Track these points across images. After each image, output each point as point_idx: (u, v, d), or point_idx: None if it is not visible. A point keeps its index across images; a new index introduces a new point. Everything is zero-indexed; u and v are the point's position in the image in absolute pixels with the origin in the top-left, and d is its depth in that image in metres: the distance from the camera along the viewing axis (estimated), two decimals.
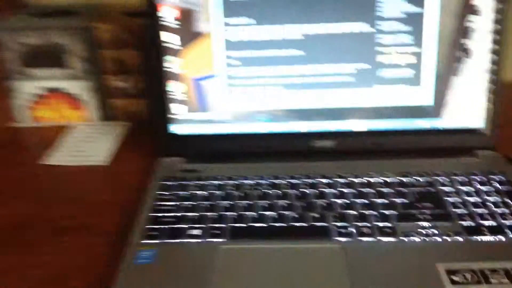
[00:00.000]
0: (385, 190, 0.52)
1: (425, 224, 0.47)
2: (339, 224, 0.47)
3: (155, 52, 0.57)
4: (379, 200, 0.51)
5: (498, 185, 0.52)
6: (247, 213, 0.49)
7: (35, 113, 0.74)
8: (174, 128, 0.59)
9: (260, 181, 0.55)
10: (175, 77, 0.58)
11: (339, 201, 0.51)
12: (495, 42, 0.55)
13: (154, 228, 0.48)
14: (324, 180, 0.54)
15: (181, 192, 0.53)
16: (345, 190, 0.52)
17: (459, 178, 0.53)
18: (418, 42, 0.56)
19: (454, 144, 0.58)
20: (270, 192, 0.53)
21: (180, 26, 0.56)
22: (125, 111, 0.73)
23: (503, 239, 0.45)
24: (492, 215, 0.48)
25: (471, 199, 0.50)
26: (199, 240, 0.46)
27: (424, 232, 0.46)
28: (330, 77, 0.57)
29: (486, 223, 0.47)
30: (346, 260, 0.43)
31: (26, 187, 0.60)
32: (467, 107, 0.57)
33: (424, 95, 0.57)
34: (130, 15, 0.72)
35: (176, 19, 0.56)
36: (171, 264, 0.44)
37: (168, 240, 0.47)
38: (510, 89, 0.60)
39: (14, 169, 0.64)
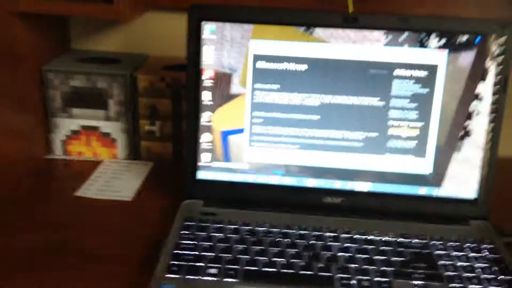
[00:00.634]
0: (384, 248, 0.58)
1: (419, 282, 0.52)
2: (342, 275, 0.53)
3: (192, 107, 0.64)
4: (379, 257, 0.56)
5: (487, 253, 0.58)
6: (259, 257, 0.55)
7: (70, 148, 0.81)
8: (198, 174, 0.66)
9: (272, 229, 0.60)
10: (206, 129, 0.65)
11: (343, 254, 0.56)
12: (492, 122, 0.62)
13: (176, 264, 0.54)
14: (330, 234, 0.60)
15: (201, 233, 0.59)
16: (349, 245, 0.58)
17: (452, 244, 0.59)
18: (425, 119, 0.63)
19: (449, 212, 0.64)
20: (281, 240, 0.58)
21: (216, 87, 0.64)
22: (151, 152, 0.80)
23: None
24: (479, 280, 0.53)
25: (462, 264, 0.56)
26: (215, 279, 0.52)
27: None
28: (343, 141, 0.64)
29: (473, 287, 0.52)
30: None
31: (59, 216, 0.66)
32: (463, 179, 0.64)
33: (426, 165, 0.64)
34: (168, 68, 0.80)
35: (214, 81, 0.64)
36: None
37: (187, 276, 0.52)
38: (503, 164, 0.67)
39: (49, 198, 0.70)
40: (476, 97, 0.62)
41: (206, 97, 0.64)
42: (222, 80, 0.64)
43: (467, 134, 0.63)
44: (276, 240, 0.58)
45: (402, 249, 0.58)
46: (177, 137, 0.79)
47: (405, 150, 0.64)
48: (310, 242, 0.58)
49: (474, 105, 0.62)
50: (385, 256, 0.56)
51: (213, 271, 0.53)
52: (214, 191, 0.66)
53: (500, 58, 0.61)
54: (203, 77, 0.64)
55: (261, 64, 0.63)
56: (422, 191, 0.65)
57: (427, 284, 0.52)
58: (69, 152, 0.81)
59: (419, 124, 0.63)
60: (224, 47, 0.63)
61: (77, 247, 0.60)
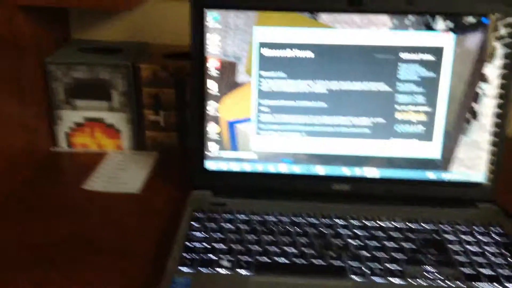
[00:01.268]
0: (394, 234, 0.58)
1: (430, 268, 0.53)
2: (354, 264, 0.53)
3: (197, 96, 0.63)
4: (389, 244, 0.56)
5: (496, 237, 0.58)
6: (271, 247, 0.55)
7: (75, 140, 0.80)
8: (206, 164, 0.66)
9: (282, 218, 0.61)
10: (212, 119, 0.64)
11: (353, 242, 0.57)
12: (500, 105, 0.62)
13: (188, 256, 0.54)
14: (340, 221, 0.60)
15: (211, 224, 0.59)
16: (359, 232, 0.58)
17: (461, 228, 0.59)
18: (432, 102, 0.63)
19: (457, 196, 0.64)
20: (292, 229, 0.58)
21: (222, 76, 0.63)
22: (156, 142, 0.80)
23: (500, 287, 0.51)
24: (490, 265, 0.53)
25: (472, 248, 0.56)
26: (229, 272, 0.52)
27: (429, 276, 0.52)
28: (350, 128, 0.64)
29: (485, 271, 0.53)
30: None
31: (66, 209, 0.66)
32: (471, 163, 0.64)
33: (433, 150, 0.64)
34: (169, 56, 0.79)
35: (219, 70, 0.63)
36: None
37: (200, 268, 0.52)
38: (511, 147, 0.67)
39: (55, 191, 0.70)
40: (484, 79, 0.62)
41: (211, 86, 0.64)
42: (227, 68, 0.63)
43: (474, 117, 0.63)
44: (287, 229, 0.59)
45: (412, 234, 0.58)
46: (182, 126, 0.79)
47: (412, 134, 0.64)
48: (321, 230, 0.58)
49: (482, 88, 0.62)
50: (395, 242, 0.57)
51: (226, 263, 0.53)
52: (223, 181, 0.66)
53: (508, 40, 0.61)
54: (207, 66, 0.63)
55: (266, 52, 0.62)
56: (430, 175, 0.65)
57: (439, 270, 0.53)
58: (74, 144, 0.80)
59: (427, 108, 0.63)
60: (228, 35, 0.62)
61: (86, 240, 0.60)
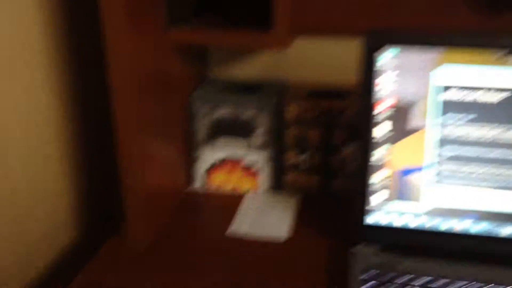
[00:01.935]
0: None
1: None
2: None
3: (364, 143, 0.58)
4: None
5: None
6: None
7: (212, 179, 0.77)
8: (369, 216, 0.60)
9: (464, 284, 0.53)
10: (379, 167, 0.58)
11: None
12: None
13: None
14: None
15: None
16: None
17: None
18: None
19: None
20: None
21: (393, 120, 0.57)
22: (295, 184, 0.75)
23: None
24: None
25: None
26: None
27: None
28: None
29: None
30: None
31: (216, 256, 0.62)
32: None
33: None
34: (312, 95, 0.74)
35: (390, 114, 0.57)
36: None
37: None
38: None
39: (199, 236, 0.66)
40: None
41: (380, 131, 0.58)
42: (399, 112, 0.57)
43: None
44: None
45: None
46: (326, 169, 0.74)
47: None
48: None
49: None
50: None
51: None
52: (387, 236, 0.59)
53: None
54: (376, 110, 0.57)
55: (448, 94, 0.56)
56: None
57: None
58: (210, 183, 0.77)
59: None
60: (403, 76, 0.56)
61: None
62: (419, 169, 0.58)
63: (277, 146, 0.74)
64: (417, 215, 0.59)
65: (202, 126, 0.75)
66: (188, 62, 0.74)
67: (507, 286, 0.52)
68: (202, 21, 0.68)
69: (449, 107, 0.56)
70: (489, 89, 0.55)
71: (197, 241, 0.65)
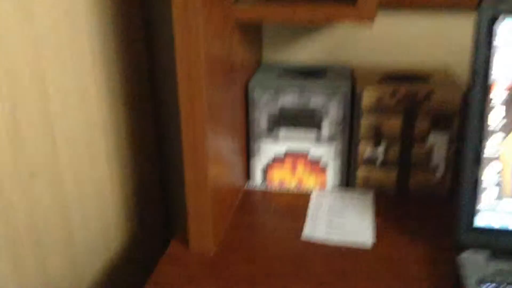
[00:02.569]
0: None
1: None
2: None
3: (472, 136, 0.49)
4: None
5: None
6: None
7: (272, 175, 0.69)
8: (479, 217, 0.51)
9: None
10: (492, 160, 0.50)
11: None
12: None
13: None
14: None
15: None
16: None
17: None
18: None
19: None
20: None
21: (508, 108, 0.48)
22: (368, 181, 0.67)
23: None
24: None
25: None
26: None
27: None
28: None
29: None
30: None
31: (298, 267, 0.54)
32: None
33: None
34: (398, 79, 0.65)
35: (505, 101, 0.48)
36: None
37: None
38: None
39: (276, 243, 0.57)
40: None
41: (494, 119, 0.49)
42: None
43: None
44: None
45: None
46: (405, 163, 0.65)
47: None
48: None
49: None
50: None
51: None
52: (499, 240, 0.51)
53: None
54: (492, 94, 0.49)
55: None
56: None
57: None
58: (271, 180, 0.69)
59: None
60: None
61: None
62: None
63: (348, 137, 0.66)
64: None
65: (262, 115, 0.66)
66: (248, 44, 0.65)
67: None
68: None
69: None
70: None
71: (270, 247, 0.57)
